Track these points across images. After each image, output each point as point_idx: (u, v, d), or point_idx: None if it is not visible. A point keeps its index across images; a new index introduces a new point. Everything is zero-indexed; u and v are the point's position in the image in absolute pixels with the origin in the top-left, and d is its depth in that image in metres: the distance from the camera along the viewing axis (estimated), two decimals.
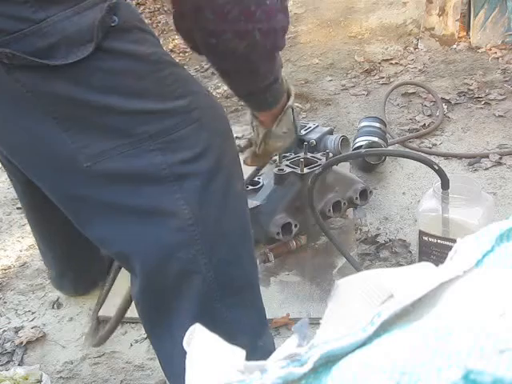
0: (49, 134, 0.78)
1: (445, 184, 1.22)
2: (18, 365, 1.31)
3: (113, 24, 0.74)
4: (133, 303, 0.99)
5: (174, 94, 0.83)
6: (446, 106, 2.23)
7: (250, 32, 0.80)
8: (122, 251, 0.88)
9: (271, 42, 0.85)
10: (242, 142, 1.23)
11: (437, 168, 1.20)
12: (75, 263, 1.41)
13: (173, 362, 0.93)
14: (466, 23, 2.70)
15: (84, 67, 0.73)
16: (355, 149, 1.82)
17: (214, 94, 2.59)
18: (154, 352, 1.02)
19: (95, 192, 0.82)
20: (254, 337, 0.97)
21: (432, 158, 1.80)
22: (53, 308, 1.50)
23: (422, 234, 1.30)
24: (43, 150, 0.80)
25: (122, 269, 1.18)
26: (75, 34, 0.72)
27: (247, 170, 1.66)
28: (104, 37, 0.73)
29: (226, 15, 0.78)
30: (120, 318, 1.18)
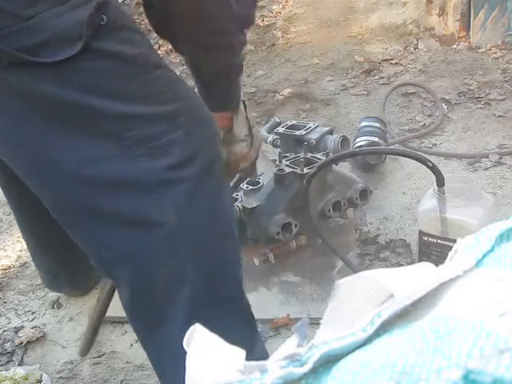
0: (36, 134, 0.76)
1: (439, 181, 1.21)
2: (18, 365, 1.31)
3: (101, 23, 0.73)
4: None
5: (163, 97, 0.81)
6: (445, 106, 2.23)
7: None
8: (110, 258, 0.86)
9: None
10: None
11: (430, 165, 1.19)
12: (71, 264, 1.38)
13: (169, 373, 0.91)
14: (465, 23, 2.70)
15: (70, 67, 0.72)
16: (355, 149, 1.82)
17: None
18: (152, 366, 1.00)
19: (81, 196, 0.80)
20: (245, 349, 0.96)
21: (432, 157, 1.79)
22: (53, 308, 1.50)
23: (422, 234, 1.30)
24: (32, 151, 0.78)
25: None
26: (64, 32, 0.70)
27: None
28: (92, 36, 0.72)
29: None
30: (97, 326, 1.16)
